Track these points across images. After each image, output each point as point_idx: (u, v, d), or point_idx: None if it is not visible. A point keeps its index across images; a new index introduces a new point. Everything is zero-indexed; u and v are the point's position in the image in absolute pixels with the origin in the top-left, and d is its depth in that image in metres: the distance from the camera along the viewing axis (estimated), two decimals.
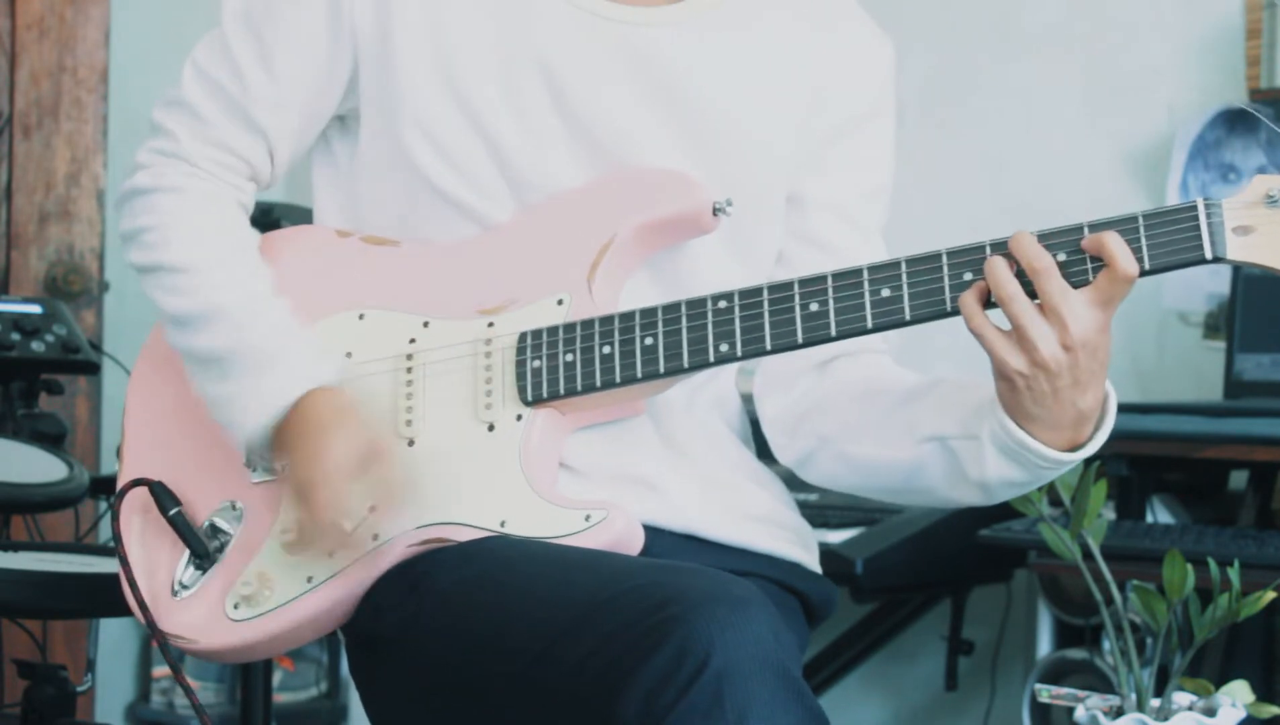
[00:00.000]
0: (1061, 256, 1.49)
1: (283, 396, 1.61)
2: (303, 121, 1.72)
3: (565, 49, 1.67)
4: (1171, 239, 1.48)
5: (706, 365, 1.59)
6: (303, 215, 1.76)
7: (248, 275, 1.68)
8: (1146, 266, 1.48)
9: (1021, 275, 1.49)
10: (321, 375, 1.62)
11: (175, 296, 1.67)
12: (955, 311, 1.52)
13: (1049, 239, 1.50)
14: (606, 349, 1.60)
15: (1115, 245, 1.47)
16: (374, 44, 1.68)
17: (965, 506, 1.65)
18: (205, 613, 1.65)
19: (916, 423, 1.63)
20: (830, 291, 1.55)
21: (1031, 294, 1.49)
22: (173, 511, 1.68)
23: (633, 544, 1.58)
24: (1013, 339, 1.50)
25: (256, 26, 1.70)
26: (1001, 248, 1.51)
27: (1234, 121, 3.11)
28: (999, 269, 1.49)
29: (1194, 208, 1.48)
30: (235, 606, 1.64)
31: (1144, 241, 1.48)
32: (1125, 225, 1.48)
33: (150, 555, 1.69)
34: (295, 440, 1.60)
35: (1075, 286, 1.49)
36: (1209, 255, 1.47)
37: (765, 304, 1.57)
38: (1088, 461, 1.63)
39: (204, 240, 1.69)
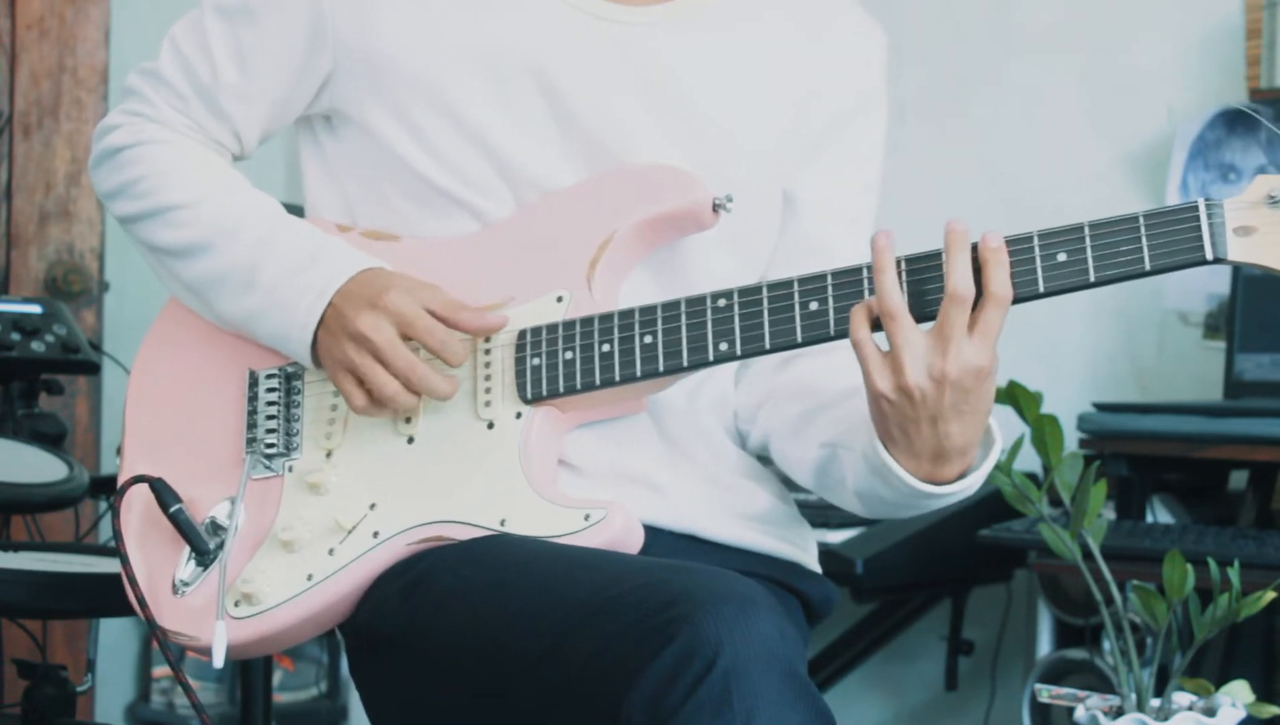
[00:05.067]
0: (1062, 256, 1.49)
1: (336, 278, 1.62)
2: (270, 115, 1.75)
3: (557, 47, 1.67)
4: (1172, 239, 1.47)
5: (706, 364, 1.59)
6: (301, 214, 1.76)
7: (256, 197, 1.71)
8: (1147, 267, 1.48)
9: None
10: (364, 259, 1.64)
11: (183, 228, 1.69)
12: None
13: (1047, 239, 1.49)
14: (606, 347, 1.60)
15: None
16: (357, 49, 1.68)
17: (860, 515, 1.64)
18: (205, 610, 1.65)
19: (821, 427, 1.64)
20: (830, 290, 1.55)
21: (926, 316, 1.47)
22: (173, 508, 1.67)
23: (632, 543, 1.58)
24: (887, 359, 1.48)
25: (235, 24, 1.72)
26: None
27: (1234, 121, 3.11)
28: (887, 280, 1.47)
29: (1195, 208, 1.47)
30: (235, 604, 1.64)
31: (1145, 242, 1.47)
32: (1126, 225, 1.48)
33: (151, 552, 1.69)
34: (350, 314, 1.59)
35: (1073, 287, 1.48)
36: (1210, 256, 1.46)
37: (765, 302, 1.56)
38: (1088, 459, 1.63)
39: (202, 176, 1.72)
